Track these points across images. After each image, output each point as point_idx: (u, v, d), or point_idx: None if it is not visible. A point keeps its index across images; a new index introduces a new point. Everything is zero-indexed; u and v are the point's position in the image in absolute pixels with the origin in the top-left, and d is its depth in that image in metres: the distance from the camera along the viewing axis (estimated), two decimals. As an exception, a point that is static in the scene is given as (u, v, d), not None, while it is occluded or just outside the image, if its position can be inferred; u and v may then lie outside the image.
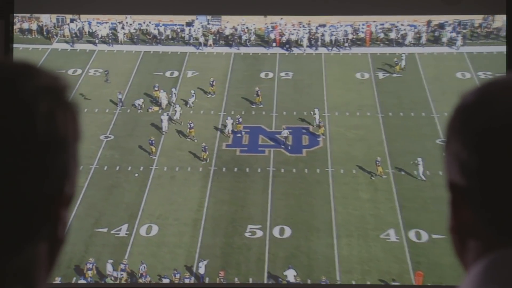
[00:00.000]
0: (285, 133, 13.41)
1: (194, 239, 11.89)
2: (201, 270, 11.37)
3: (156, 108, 14.01)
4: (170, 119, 13.81)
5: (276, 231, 11.97)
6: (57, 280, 11.16)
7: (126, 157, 13.25)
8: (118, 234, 11.98)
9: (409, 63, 14.50)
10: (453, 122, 1.55)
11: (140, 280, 11.39)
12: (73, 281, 11.32)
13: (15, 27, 12.26)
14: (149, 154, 13.25)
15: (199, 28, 14.40)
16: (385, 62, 14.62)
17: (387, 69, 14.58)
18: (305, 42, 14.44)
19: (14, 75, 1.42)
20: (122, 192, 12.66)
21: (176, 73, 14.69)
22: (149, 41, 14.72)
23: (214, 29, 14.24)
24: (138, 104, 14.03)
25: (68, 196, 1.47)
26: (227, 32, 14.26)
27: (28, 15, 13.57)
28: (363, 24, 14.37)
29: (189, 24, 14.48)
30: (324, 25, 14.35)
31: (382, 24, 14.45)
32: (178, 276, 11.36)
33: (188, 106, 14.10)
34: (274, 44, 14.44)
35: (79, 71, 14.34)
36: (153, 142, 13.32)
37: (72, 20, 14.18)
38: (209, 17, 14.02)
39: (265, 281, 11.35)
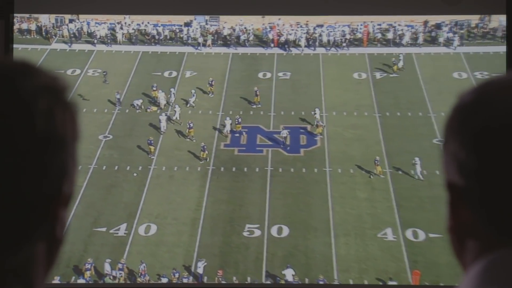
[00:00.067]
0: (285, 133, 13.44)
1: (193, 238, 11.93)
2: (200, 270, 11.41)
3: (154, 108, 14.04)
4: (169, 119, 13.84)
5: (274, 230, 12.01)
6: (56, 279, 11.18)
7: (124, 157, 13.29)
8: (117, 233, 12.01)
9: (406, 63, 14.55)
10: (451, 122, 1.54)
11: (139, 279, 11.42)
12: (72, 280, 11.35)
13: (14, 27, 12.28)
14: (147, 154, 13.29)
15: (197, 29, 14.44)
16: (383, 62, 14.67)
17: (385, 69, 14.63)
18: (303, 42, 14.48)
19: (13, 74, 1.42)
20: (121, 192, 12.70)
21: (174, 73, 14.72)
22: (148, 42, 14.75)
23: (212, 29, 14.28)
24: (137, 105, 14.06)
25: (66, 196, 1.46)
26: (226, 32, 14.31)
27: (27, 15, 13.60)
28: (360, 25, 14.42)
29: (187, 24, 14.52)
30: (321, 26, 14.40)
31: (380, 25, 14.50)
32: (177, 275, 11.41)
33: (188, 105, 14.14)
34: (272, 45, 14.48)
35: (77, 71, 14.37)
36: (152, 142, 13.36)
37: (70, 21, 14.22)
38: (207, 17, 14.06)
39: (263, 280, 11.39)
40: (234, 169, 12.96)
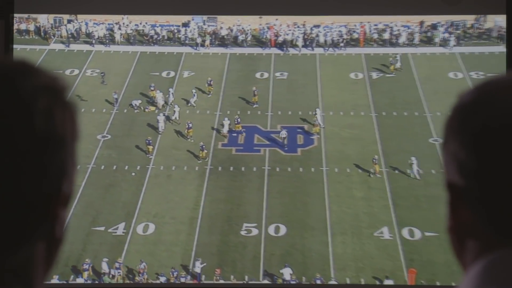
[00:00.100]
0: (284, 133, 13.46)
1: (191, 237, 11.98)
2: (198, 269, 11.46)
3: (152, 108, 14.10)
4: (168, 119, 13.89)
5: (271, 229, 12.05)
6: (55, 278, 11.21)
7: (123, 157, 13.33)
8: (115, 232, 12.05)
9: (402, 63, 14.61)
10: (451, 122, 1.54)
11: (137, 278, 11.47)
12: (71, 280, 11.39)
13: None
14: (146, 153, 13.33)
15: (195, 29, 14.50)
16: (379, 62, 14.73)
17: (381, 69, 14.68)
18: (300, 42, 14.55)
19: (13, 74, 1.42)
20: (119, 191, 12.74)
21: (172, 73, 14.77)
22: (146, 42, 14.80)
23: (210, 29, 14.33)
24: (136, 105, 14.11)
25: (66, 195, 1.46)
26: (223, 32, 14.36)
27: (26, 15, 13.65)
28: (357, 25, 14.48)
29: (185, 25, 14.57)
30: (318, 26, 14.46)
31: (376, 25, 14.56)
32: (175, 274, 11.46)
33: (189, 105, 14.18)
34: (269, 45, 14.54)
35: (76, 72, 14.42)
36: (150, 141, 13.41)
37: (69, 21, 14.26)
38: (205, 18, 14.11)
39: (261, 279, 11.44)
40: (231, 168, 13.01)
